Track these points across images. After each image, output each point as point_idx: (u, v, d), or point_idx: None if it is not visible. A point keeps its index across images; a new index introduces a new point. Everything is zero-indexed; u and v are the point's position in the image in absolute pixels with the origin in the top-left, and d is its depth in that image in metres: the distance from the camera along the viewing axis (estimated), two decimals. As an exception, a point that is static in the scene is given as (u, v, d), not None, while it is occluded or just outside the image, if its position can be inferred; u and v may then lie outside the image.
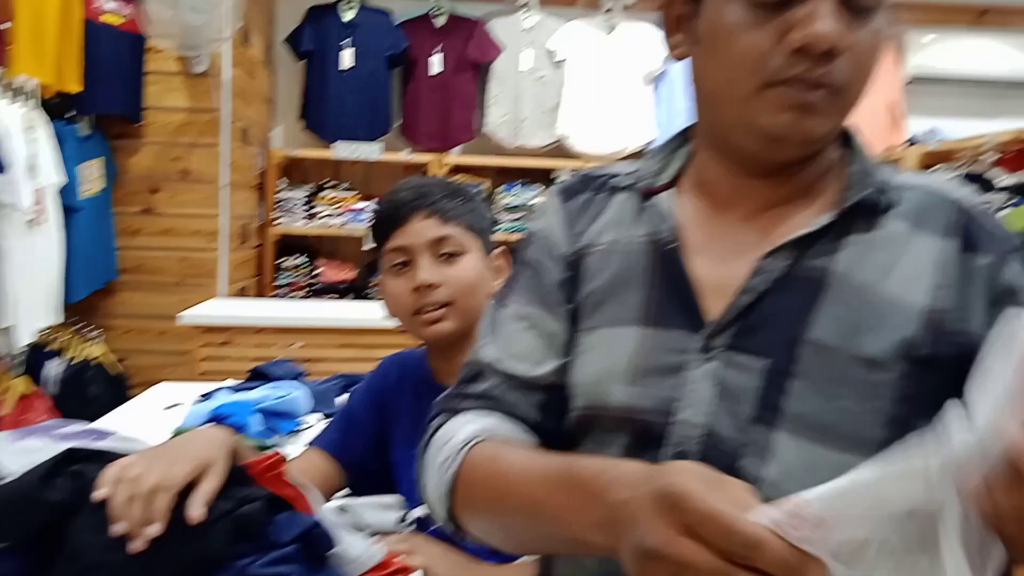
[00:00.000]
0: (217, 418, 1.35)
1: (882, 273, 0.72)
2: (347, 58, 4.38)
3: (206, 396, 1.60)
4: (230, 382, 1.83)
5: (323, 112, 4.41)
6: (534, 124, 4.55)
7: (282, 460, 0.93)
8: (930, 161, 3.40)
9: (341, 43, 4.38)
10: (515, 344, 0.83)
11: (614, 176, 0.87)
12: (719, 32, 0.72)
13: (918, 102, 4.87)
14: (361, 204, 4.45)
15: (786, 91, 0.70)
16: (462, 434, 0.77)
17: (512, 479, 0.69)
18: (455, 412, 0.82)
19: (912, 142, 4.09)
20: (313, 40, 4.39)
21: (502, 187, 4.56)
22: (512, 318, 0.85)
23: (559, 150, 4.56)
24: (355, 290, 4.52)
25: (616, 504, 0.57)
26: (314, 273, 4.45)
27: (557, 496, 0.63)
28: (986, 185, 3.04)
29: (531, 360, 0.82)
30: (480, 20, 4.54)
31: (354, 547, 0.89)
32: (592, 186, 0.88)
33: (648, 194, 0.82)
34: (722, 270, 0.76)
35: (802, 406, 0.70)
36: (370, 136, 4.41)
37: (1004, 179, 2.95)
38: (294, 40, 4.43)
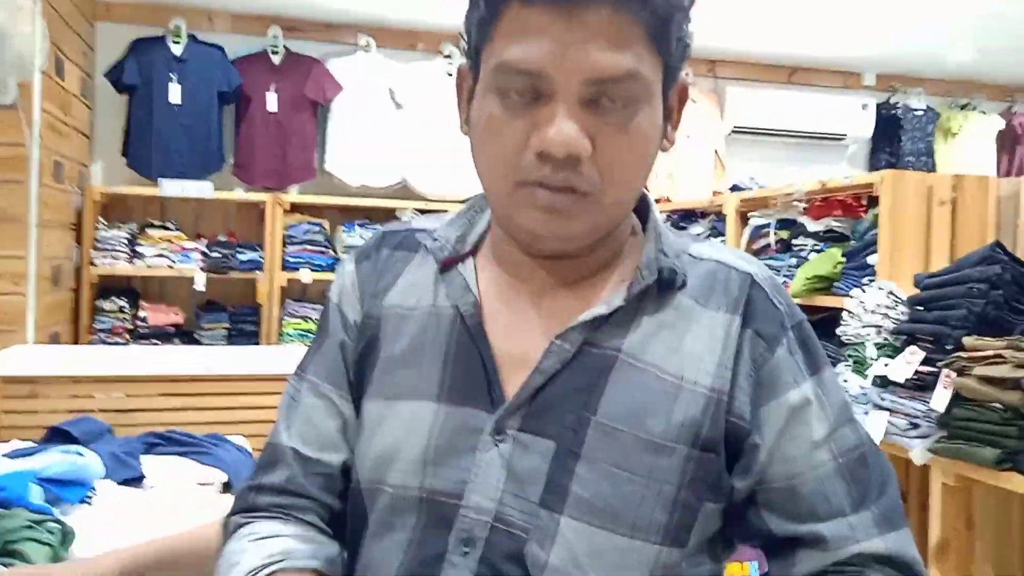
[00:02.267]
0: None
1: (669, 352, 0.73)
2: (175, 93, 4.19)
3: (-12, 464, 1.43)
4: (15, 443, 1.66)
5: (148, 148, 4.18)
6: (375, 164, 4.51)
7: None
8: (748, 207, 3.62)
9: (169, 77, 4.19)
10: (314, 428, 0.81)
11: (418, 232, 0.85)
12: (480, 123, 0.72)
13: (737, 151, 5.22)
14: (190, 244, 4.24)
15: (533, 192, 0.69)
16: (243, 566, 0.73)
17: None
18: (253, 511, 0.80)
19: (735, 188, 4.37)
20: (137, 73, 4.17)
21: (343, 226, 4.48)
22: (311, 394, 0.82)
23: (402, 191, 4.54)
24: (183, 335, 4.29)
25: None
26: (139, 317, 4.19)
27: None
28: (798, 230, 3.27)
29: (330, 448, 0.80)
30: (319, 59, 4.48)
31: None
32: (391, 243, 0.85)
33: (449, 263, 0.80)
34: (519, 345, 0.75)
35: (587, 489, 0.69)
36: (200, 174, 4.22)
37: (811, 225, 3.19)
38: (115, 73, 4.19)
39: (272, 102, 4.38)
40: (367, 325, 0.81)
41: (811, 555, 0.72)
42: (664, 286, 0.75)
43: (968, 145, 5.49)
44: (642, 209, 0.81)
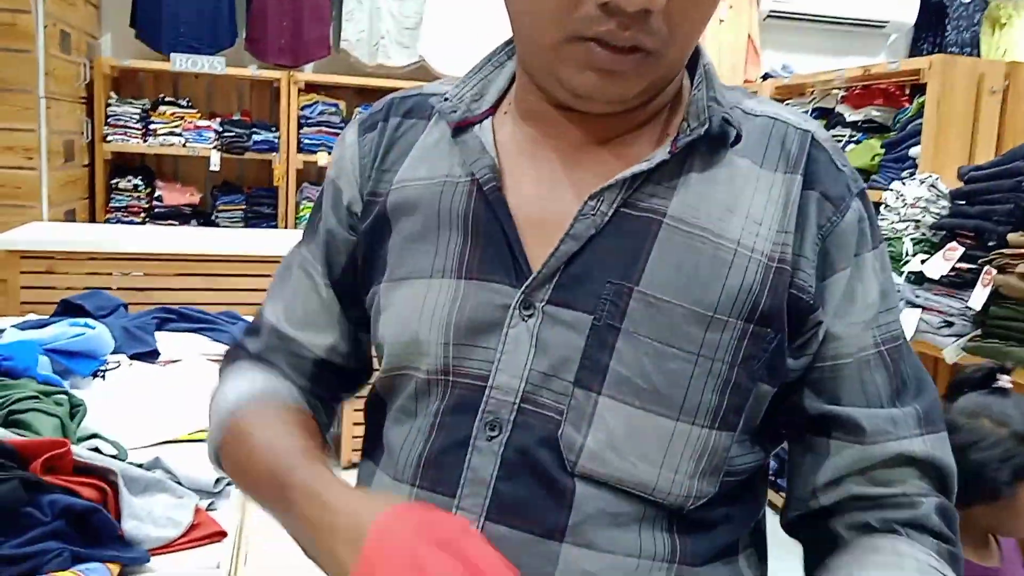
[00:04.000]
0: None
1: (722, 215, 0.65)
2: (184, -40, 4.00)
3: (-5, 332, 1.40)
4: (31, 317, 1.63)
5: (158, 20, 4.02)
6: (393, 42, 4.34)
7: (65, 449, 0.84)
8: (783, 95, 3.47)
9: (178, -58, 3.99)
10: (297, 304, 0.79)
11: (431, 96, 0.76)
12: None
13: (771, 38, 4.98)
14: (204, 123, 4.14)
15: (590, 49, 0.60)
16: (229, 398, 0.75)
17: (253, 465, 0.70)
18: (235, 361, 0.80)
19: (767, 76, 4.18)
20: (145, -63, 3.97)
21: (359, 108, 4.35)
22: (300, 270, 0.79)
23: (421, 71, 4.38)
24: (200, 215, 4.24)
25: (324, 552, 0.59)
26: (154, 196, 4.14)
27: (279, 504, 0.65)
28: (835, 119, 3.13)
29: (309, 328, 0.78)
30: (335, -74, 4.24)
31: (153, 520, 0.81)
32: (400, 110, 0.76)
33: (464, 125, 0.71)
34: (547, 209, 0.67)
35: (628, 367, 0.63)
36: (212, 49, 4.07)
37: (849, 115, 3.04)
38: (123, -65, 3.99)
39: (286, -28, 4.17)
40: (372, 203, 0.74)
41: (845, 447, 0.67)
42: (715, 141, 0.67)
43: (1017, 37, 5.20)
44: (692, 57, 0.70)
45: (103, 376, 1.33)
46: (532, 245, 0.66)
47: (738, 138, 0.67)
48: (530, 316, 0.64)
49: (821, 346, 0.66)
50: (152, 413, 1.26)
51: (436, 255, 0.68)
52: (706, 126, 0.66)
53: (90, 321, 1.38)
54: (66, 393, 1.13)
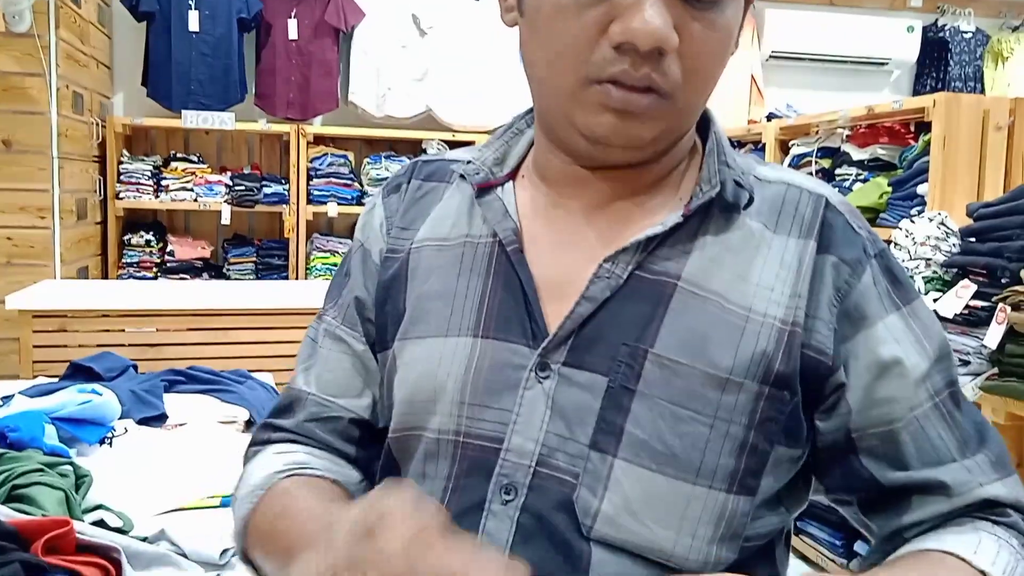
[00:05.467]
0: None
1: (736, 279, 0.65)
2: (194, 20, 4.07)
3: (5, 400, 1.40)
4: (41, 380, 1.62)
5: (168, 78, 4.09)
6: (400, 94, 4.39)
7: (67, 528, 0.83)
8: (787, 135, 3.47)
9: (187, 3, 4.07)
10: (330, 371, 0.77)
11: (452, 162, 0.77)
12: (543, 8, 0.63)
13: (774, 77, 5.02)
14: (215, 177, 4.18)
15: (607, 91, 0.61)
16: (261, 474, 0.72)
17: (289, 537, 0.65)
18: (267, 444, 0.77)
19: (771, 116, 4.21)
20: (155, 0, 4.06)
21: (368, 159, 4.39)
22: (328, 337, 0.78)
23: (427, 121, 4.42)
24: (211, 268, 4.27)
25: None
26: (166, 251, 4.17)
27: None
28: (841, 158, 3.13)
29: (348, 393, 0.76)
30: (340, -17, 4.32)
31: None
32: (423, 174, 0.78)
33: (485, 188, 0.72)
34: (563, 270, 0.67)
35: (643, 430, 0.62)
36: (222, 105, 4.14)
37: (856, 154, 3.04)
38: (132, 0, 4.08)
39: (293, 29, 4.25)
40: (391, 260, 0.74)
41: (930, 501, 0.66)
42: (728, 205, 0.67)
43: (1021, 70, 5.22)
44: (702, 123, 0.72)
45: (110, 443, 1.33)
46: (549, 306, 0.66)
47: (751, 201, 0.67)
48: (546, 378, 0.64)
49: (869, 411, 0.65)
50: (159, 481, 1.26)
51: (453, 313, 0.69)
52: (718, 189, 0.66)
53: (97, 387, 1.37)
54: (71, 464, 1.12)
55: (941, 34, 5.17)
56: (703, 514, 0.63)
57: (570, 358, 0.64)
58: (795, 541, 2.55)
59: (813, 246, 0.66)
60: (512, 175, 0.73)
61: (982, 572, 0.61)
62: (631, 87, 0.60)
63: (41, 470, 1.03)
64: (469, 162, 0.73)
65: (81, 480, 1.10)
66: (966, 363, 2.14)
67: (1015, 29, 5.30)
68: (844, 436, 0.66)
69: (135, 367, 1.82)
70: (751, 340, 0.63)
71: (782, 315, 0.64)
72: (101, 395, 1.34)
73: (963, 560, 0.61)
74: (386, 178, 4.48)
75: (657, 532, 0.62)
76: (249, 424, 1.63)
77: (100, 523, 1.03)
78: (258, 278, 4.25)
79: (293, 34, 4.25)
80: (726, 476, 0.63)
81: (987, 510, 0.66)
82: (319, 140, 4.33)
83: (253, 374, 2.05)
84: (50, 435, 1.19)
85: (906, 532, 0.67)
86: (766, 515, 0.67)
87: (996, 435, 0.69)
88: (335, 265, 4.21)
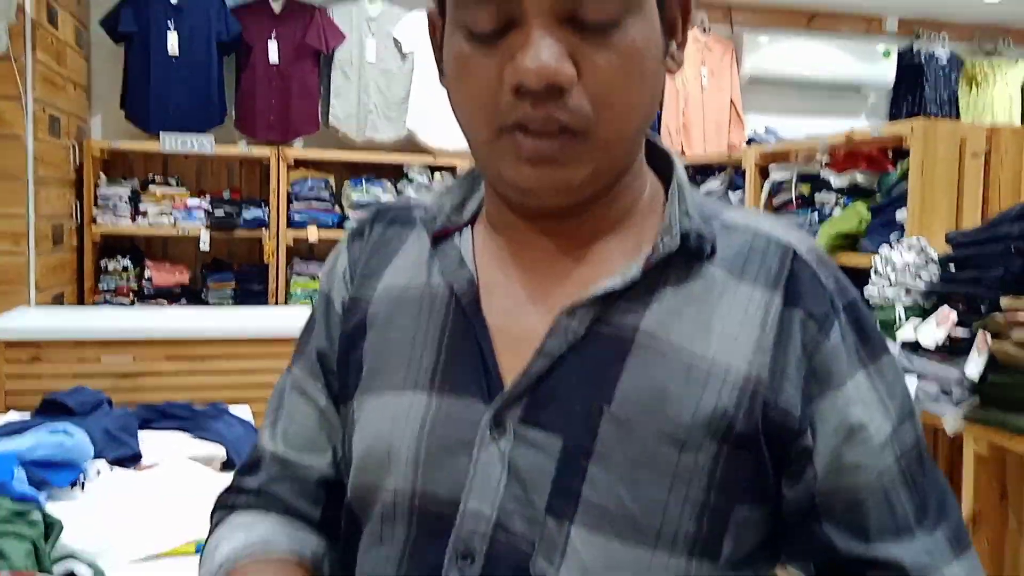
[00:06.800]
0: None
1: (697, 330, 0.62)
2: (172, 42, 4.05)
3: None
4: (12, 416, 1.58)
5: (146, 101, 4.06)
6: (381, 117, 4.39)
7: None
8: (767, 161, 3.49)
9: (166, 26, 4.05)
10: (296, 426, 0.74)
11: (415, 207, 0.75)
12: (452, 66, 0.62)
13: (753, 101, 5.06)
14: (194, 201, 4.14)
15: (517, 140, 0.59)
16: (222, 552, 0.68)
17: None
18: (231, 510, 0.74)
19: (751, 141, 4.23)
20: (133, 21, 4.03)
21: (349, 182, 4.37)
22: (293, 392, 0.75)
23: (408, 144, 4.42)
24: (190, 294, 4.22)
25: None
26: (143, 277, 4.12)
27: None
28: (820, 184, 3.14)
29: (314, 449, 0.73)
30: (320, 7, 4.32)
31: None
32: (385, 219, 0.76)
33: (443, 235, 0.70)
34: (521, 323, 0.65)
35: (600, 494, 0.59)
36: (201, 127, 4.11)
37: (835, 180, 3.06)
38: (111, 21, 4.05)
39: (273, 52, 4.24)
40: (354, 309, 0.72)
41: None
42: (690, 254, 0.64)
43: (995, 93, 5.30)
44: (663, 167, 0.70)
45: (82, 487, 1.29)
46: (506, 360, 0.64)
47: (713, 251, 0.65)
48: (502, 436, 0.61)
49: (834, 477, 0.63)
50: (133, 526, 1.22)
51: (410, 366, 0.66)
52: (678, 243, 0.63)
53: (69, 427, 1.33)
54: (41, 511, 1.08)
55: (917, 59, 5.24)
56: None
57: (526, 416, 0.62)
58: None
59: (779, 299, 0.63)
60: (473, 220, 0.71)
61: None
62: (539, 132, 0.58)
63: (9, 520, 1.00)
64: (426, 210, 0.71)
65: (51, 527, 1.07)
66: (948, 393, 2.14)
67: (988, 54, 5.38)
68: (808, 502, 0.64)
69: (110, 402, 1.78)
70: (712, 397, 0.61)
71: (745, 369, 0.61)
72: (73, 436, 1.30)
73: None
74: (368, 203, 4.46)
75: None
76: (226, 465, 1.59)
77: (70, 575, 1.00)
78: (237, 303, 4.20)
79: (274, 57, 4.24)
80: (687, 540, 0.60)
81: None
82: (300, 164, 4.30)
83: (232, 405, 2.01)
84: (19, 479, 1.15)
85: None
86: None
87: (954, 504, 0.67)
88: (316, 290, 4.18)
